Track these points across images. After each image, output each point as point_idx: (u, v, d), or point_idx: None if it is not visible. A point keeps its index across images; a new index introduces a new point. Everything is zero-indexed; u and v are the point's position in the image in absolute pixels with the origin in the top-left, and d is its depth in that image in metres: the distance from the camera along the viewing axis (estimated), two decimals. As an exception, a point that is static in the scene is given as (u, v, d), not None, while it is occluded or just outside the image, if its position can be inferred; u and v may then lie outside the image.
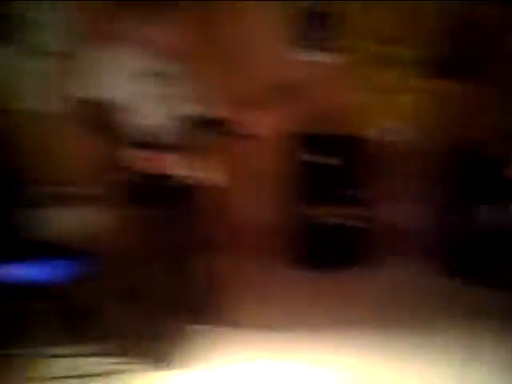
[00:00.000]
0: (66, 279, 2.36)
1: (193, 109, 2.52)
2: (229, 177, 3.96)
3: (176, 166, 2.39)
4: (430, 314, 3.16)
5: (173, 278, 2.42)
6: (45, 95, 3.44)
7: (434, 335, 2.86)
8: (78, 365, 2.31)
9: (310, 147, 3.77)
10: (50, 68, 3.48)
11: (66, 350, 2.37)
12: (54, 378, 2.20)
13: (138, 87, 2.42)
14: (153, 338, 2.37)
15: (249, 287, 3.45)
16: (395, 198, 4.42)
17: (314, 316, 3.08)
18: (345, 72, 4.10)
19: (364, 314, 3.13)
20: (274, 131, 3.89)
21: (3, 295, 2.21)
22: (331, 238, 3.84)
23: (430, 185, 4.34)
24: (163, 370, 2.32)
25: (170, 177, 2.40)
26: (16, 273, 2.27)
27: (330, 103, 4.03)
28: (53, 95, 3.42)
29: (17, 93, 3.38)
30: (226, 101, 3.56)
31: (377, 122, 4.30)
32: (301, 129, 3.92)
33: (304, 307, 3.22)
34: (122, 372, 2.29)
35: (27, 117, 3.34)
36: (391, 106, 4.35)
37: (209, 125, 2.56)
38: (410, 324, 2.98)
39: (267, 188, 3.99)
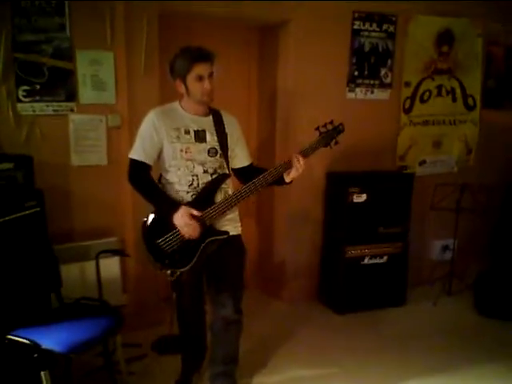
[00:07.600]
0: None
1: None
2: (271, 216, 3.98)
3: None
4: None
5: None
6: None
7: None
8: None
9: (349, 185, 3.72)
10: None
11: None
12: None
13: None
14: None
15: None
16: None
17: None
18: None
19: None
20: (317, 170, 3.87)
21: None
22: (368, 278, 3.84)
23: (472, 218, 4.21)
24: None
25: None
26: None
27: (375, 141, 4.03)
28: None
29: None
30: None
31: (421, 155, 4.23)
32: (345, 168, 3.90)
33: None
34: None
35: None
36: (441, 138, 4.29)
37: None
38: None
39: (308, 228, 3.97)
